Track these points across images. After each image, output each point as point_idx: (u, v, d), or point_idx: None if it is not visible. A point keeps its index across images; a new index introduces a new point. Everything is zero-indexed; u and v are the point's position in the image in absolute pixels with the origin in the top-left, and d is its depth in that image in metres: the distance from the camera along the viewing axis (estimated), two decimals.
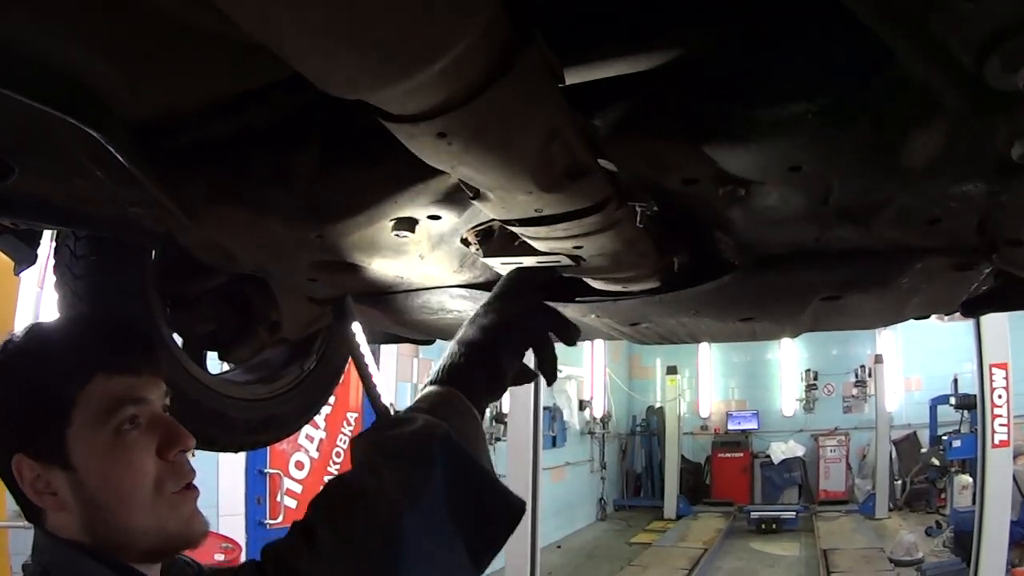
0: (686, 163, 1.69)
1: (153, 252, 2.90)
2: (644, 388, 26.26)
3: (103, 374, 1.60)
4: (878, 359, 22.04)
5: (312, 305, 3.10)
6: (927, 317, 3.15)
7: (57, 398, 1.58)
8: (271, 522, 9.63)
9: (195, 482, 1.79)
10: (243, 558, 8.88)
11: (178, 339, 3.13)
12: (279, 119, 1.79)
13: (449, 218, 2.09)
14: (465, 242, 2.21)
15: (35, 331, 1.71)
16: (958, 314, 2.99)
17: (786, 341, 23.21)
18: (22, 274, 6.57)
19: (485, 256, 2.17)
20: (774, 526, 19.61)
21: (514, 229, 1.82)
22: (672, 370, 23.87)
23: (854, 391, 23.84)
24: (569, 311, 2.57)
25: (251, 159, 1.93)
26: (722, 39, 1.47)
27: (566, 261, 2.05)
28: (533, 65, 1.21)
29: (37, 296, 7.24)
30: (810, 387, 24.35)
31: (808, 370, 24.42)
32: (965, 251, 2.11)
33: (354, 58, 1.06)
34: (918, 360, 22.75)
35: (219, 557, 6.70)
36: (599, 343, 21.49)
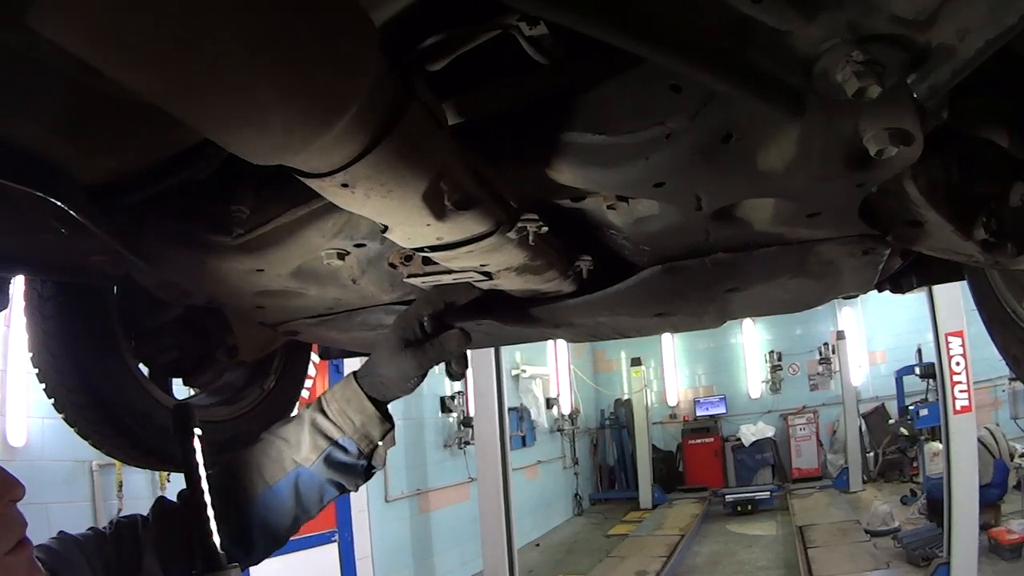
0: (569, 185, 1.87)
1: (115, 289, 3.07)
2: (610, 381, 26.25)
3: None
4: (840, 335, 22.21)
5: (265, 329, 3.27)
6: (854, 297, 3.25)
7: None
8: None
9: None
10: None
11: (144, 369, 3.26)
12: (216, 170, 1.97)
13: (373, 245, 2.31)
14: (392, 265, 2.37)
15: None
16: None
17: (748, 324, 23.36)
18: None
19: (407, 278, 2.36)
20: (749, 507, 19.73)
21: (425, 255, 2.00)
22: (636, 362, 23.80)
23: (819, 369, 23.91)
24: (494, 321, 2.78)
25: (194, 208, 2.14)
26: (580, 78, 1.67)
27: (479, 277, 2.24)
28: (417, 118, 1.42)
29: (4, 335, 7.35)
30: (775, 368, 24.42)
31: (772, 351, 24.52)
32: (857, 238, 2.21)
33: (261, 137, 1.30)
34: (881, 333, 22.99)
35: None
36: (561, 341, 21.55)
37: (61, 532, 2.07)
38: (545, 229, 1.97)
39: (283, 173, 1.52)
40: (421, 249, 1.94)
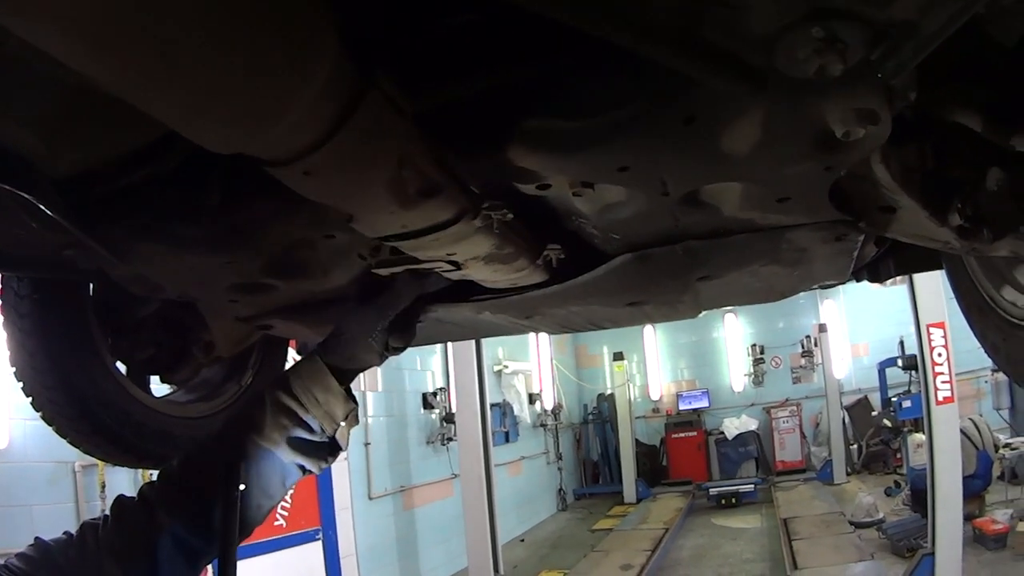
0: (533, 172, 1.88)
1: (91, 288, 3.08)
2: (593, 376, 26.30)
3: None
4: (822, 328, 22.25)
5: (240, 324, 3.26)
6: (831, 287, 3.25)
7: None
8: None
9: None
10: (211, 573, 8.99)
11: (122, 367, 3.27)
12: (184, 163, 1.98)
13: (343, 237, 2.30)
14: (360, 256, 2.40)
15: None
16: (898, 277, 3.16)
17: (730, 317, 23.52)
18: None
19: (375, 268, 2.37)
20: (734, 500, 19.81)
21: (390, 244, 2.00)
22: (619, 356, 23.73)
23: (802, 362, 23.98)
24: (465, 310, 2.78)
25: (163, 201, 2.14)
26: (543, 67, 1.66)
27: (447, 266, 2.24)
28: (377, 104, 1.43)
29: None
30: (757, 361, 24.49)
31: (754, 345, 24.58)
32: (829, 224, 2.19)
33: (219, 125, 1.32)
34: (863, 326, 23.08)
35: None
36: (543, 336, 21.57)
37: (37, 538, 2.08)
38: (511, 216, 1.97)
39: (252, 165, 1.53)
40: (387, 238, 1.94)
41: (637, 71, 1.58)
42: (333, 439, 2.35)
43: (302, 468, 2.35)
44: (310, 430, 2.29)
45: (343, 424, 2.36)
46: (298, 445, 2.29)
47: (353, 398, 2.38)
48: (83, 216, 2.04)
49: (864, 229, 2.27)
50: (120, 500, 2.24)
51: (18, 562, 1.92)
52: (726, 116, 1.62)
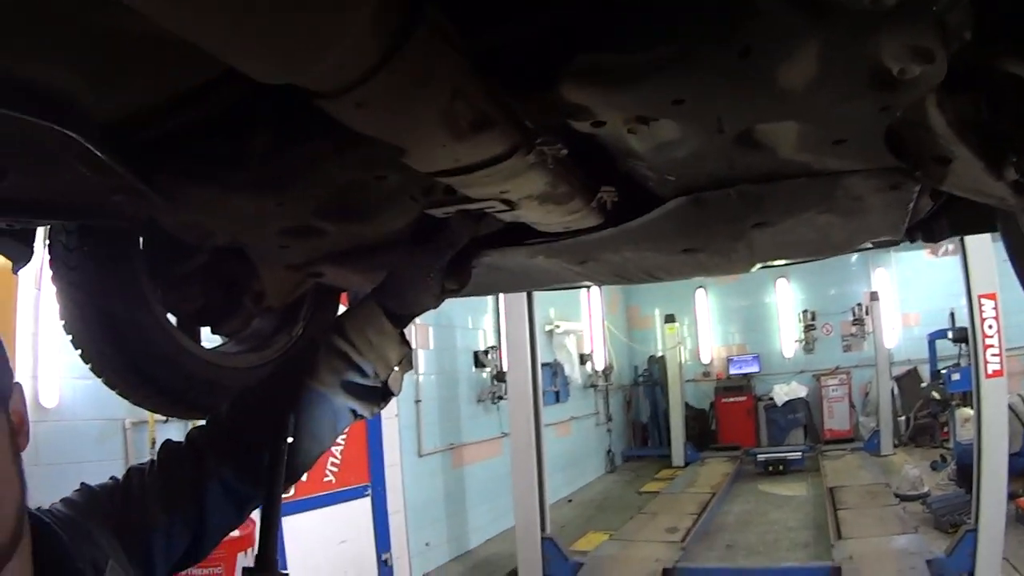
0: (586, 108, 1.83)
1: (140, 239, 3.07)
2: (644, 338, 26.29)
3: None
4: (873, 296, 22.07)
5: (291, 272, 3.28)
6: (886, 245, 3.22)
7: None
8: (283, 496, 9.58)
9: None
10: (257, 535, 9.07)
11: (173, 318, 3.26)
12: (232, 106, 1.98)
13: (394, 178, 2.28)
14: (412, 198, 2.38)
15: None
16: (951, 247, 3.10)
17: (782, 282, 23.42)
18: (20, 276, 6.74)
19: (428, 208, 2.36)
20: (781, 467, 19.71)
21: (443, 180, 1.97)
22: (670, 318, 23.76)
23: (852, 329, 23.79)
24: (519, 255, 2.76)
25: (211, 144, 2.13)
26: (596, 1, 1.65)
27: (501, 206, 2.22)
28: (427, 38, 1.40)
29: (36, 297, 7.37)
30: (808, 327, 24.32)
31: (806, 311, 24.39)
32: (885, 171, 2.16)
33: (267, 53, 1.29)
34: (915, 295, 22.82)
35: (235, 533, 6.77)
36: (595, 296, 21.57)
37: (82, 484, 2.06)
38: (564, 152, 1.95)
39: (301, 107, 1.53)
40: (440, 173, 1.92)
41: (692, 1, 1.55)
42: (386, 384, 2.33)
43: (354, 412, 2.34)
44: (363, 374, 2.27)
45: (396, 369, 2.34)
46: (351, 389, 2.28)
47: (407, 342, 2.36)
48: (131, 159, 2.02)
49: (920, 179, 2.24)
50: (167, 445, 2.23)
51: (63, 507, 1.89)
52: (782, 49, 1.58)
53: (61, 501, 1.90)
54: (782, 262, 3.36)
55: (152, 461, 2.18)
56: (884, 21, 1.44)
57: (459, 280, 2.48)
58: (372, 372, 2.28)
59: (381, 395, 2.35)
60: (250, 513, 2.24)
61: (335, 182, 2.33)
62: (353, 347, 2.25)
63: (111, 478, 2.12)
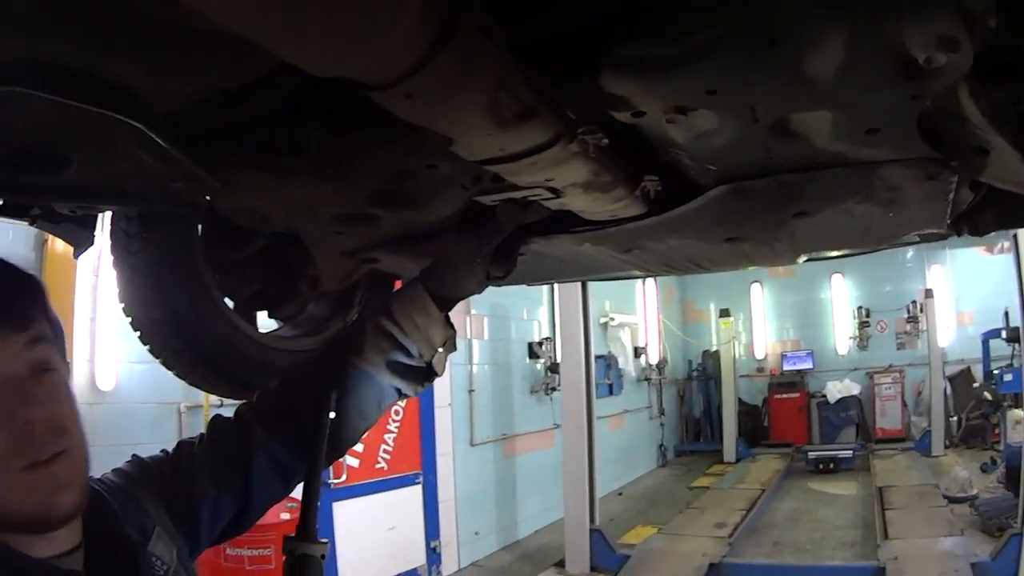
0: (626, 99, 1.89)
1: (199, 227, 3.16)
2: (699, 332, 26.18)
3: None
4: (928, 294, 21.77)
5: (345, 258, 3.34)
6: (934, 239, 3.18)
7: None
8: (335, 481, 9.67)
9: None
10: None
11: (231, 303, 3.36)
12: (287, 97, 2.06)
13: (444, 167, 2.34)
14: (463, 186, 2.45)
15: None
16: (1006, 245, 3.07)
17: (837, 278, 23.23)
18: (79, 263, 6.87)
19: (477, 196, 2.43)
20: (831, 466, 19.58)
21: (490, 168, 2.03)
22: (725, 313, 23.61)
23: (907, 327, 23.48)
24: (565, 242, 2.81)
25: (267, 134, 2.21)
26: None
27: (547, 194, 2.27)
28: (470, 33, 1.46)
29: (94, 283, 7.56)
30: (863, 324, 24.05)
31: (860, 307, 24.14)
32: (920, 161, 2.16)
33: (322, 47, 1.37)
34: (970, 293, 22.54)
35: (285, 516, 6.84)
36: (650, 289, 21.56)
37: (133, 455, 2.17)
38: (605, 141, 2.00)
39: (354, 98, 1.59)
40: (487, 162, 1.98)
41: None
42: (430, 364, 2.39)
43: (399, 391, 2.40)
44: (408, 355, 2.33)
45: (441, 350, 2.40)
46: (396, 368, 2.34)
47: (451, 325, 2.42)
48: (191, 147, 2.09)
49: (957, 169, 2.25)
50: (217, 419, 2.33)
51: (113, 476, 1.99)
52: (808, 38, 1.61)
53: (112, 471, 1.99)
54: (829, 254, 3.37)
55: (202, 435, 2.28)
56: (907, 10, 1.48)
57: (504, 267, 2.52)
58: (417, 353, 2.34)
59: (425, 375, 2.42)
60: (296, 485, 2.31)
61: (387, 170, 2.41)
62: (399, 328, 2.31)
63: (162, 451, 2.22)
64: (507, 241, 2.52)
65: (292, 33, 1.34)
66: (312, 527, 2.05)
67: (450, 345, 2.42)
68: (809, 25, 1.58)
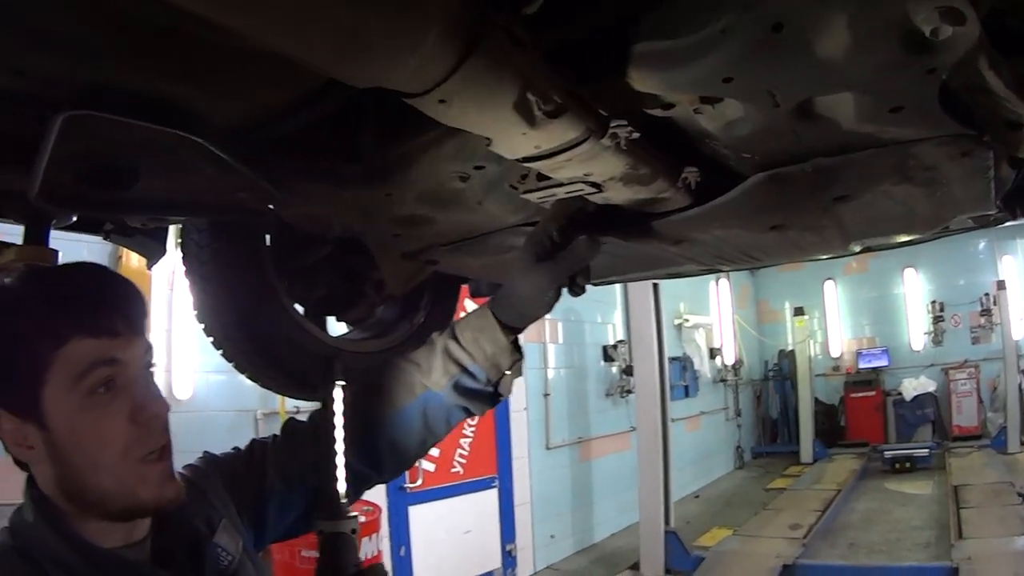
0: (653, 95, 1.99)
1: (267, 236, 3.29)
2: (774, 332, 25.86)
3: (78, 337, 1.66)
4: (1000, 285, 21.19)
5: (407, 261, 3.46)
6: (983, 225, 3.16)
7: (34, 357, 1.65)
8: (410, 485, 9.83)
9: None
10: (384, 521, 9.19)
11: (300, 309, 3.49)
12: (339, 109, 2.17)
13: (492, 167, 2.46)
14: (512, 187, 2.53)
15: (20, 284, 1.77)
16: None
17: (909, 272, 22.84)
18: (154, 276, 7.03)
19: (523, 194, 2.51)
20: (907, 465, 19.30)
21: (529, 165, 2.12)
22: (799, 311, 23.54)
23: (981, 320, 22.82)
24: (615, 237, 2.85)
25: (323, 142, 2.36)
26: None
27: (589, 188, 2.35)
28: (497, 40, 1.57)
29: (168, 297, 7.81)
30: (937, 319, 23.40)
31: (934, 301, 23.50)
32: (952, 138, 2.13)
33: (360, 62, 1.51)
34: None
35: (361, 519, 6.92)
36: (724, 289, 21.46)
37: (205, 452, 2.30)
38: (636, 134, 2.04)
39: (401, 106, 1.70)
40: (526, 160, 2.06)
41: None
42: (496, 387, 2.44)
43: (465, 410, 2.46)
44: (475, 379, 2.39)
45: (508, 374, 2.44)
46: (463, 391, 2.40)
47: (519, 349, 2.46)
48: (251, 159, 2.20)
49: (991, 145, 2.22)
50: (291, 421, 2.46)
51: (184, 470, 2.10)
52: (812, 21, 1.64)
53: (183, 466, 2.10)
54: (883, 241, 3.34)
55: (275, 435, 2.41)
56: None
57: (576, 292, 2.47)
58: (484, 377, 2.39)
59: (491, 397, 2.47)
60: (367, 490, 2.46)
61: (437, 172, 2.51)
62: (467, 354, 2.37)
63: (234, 448, 2.35)
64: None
65: (332, 52, 1.47)
66: (337, 504, 2.14)
67: (517, 370, 2.45)
68: (811, 7, 1.62)
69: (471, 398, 2.43)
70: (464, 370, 2.38)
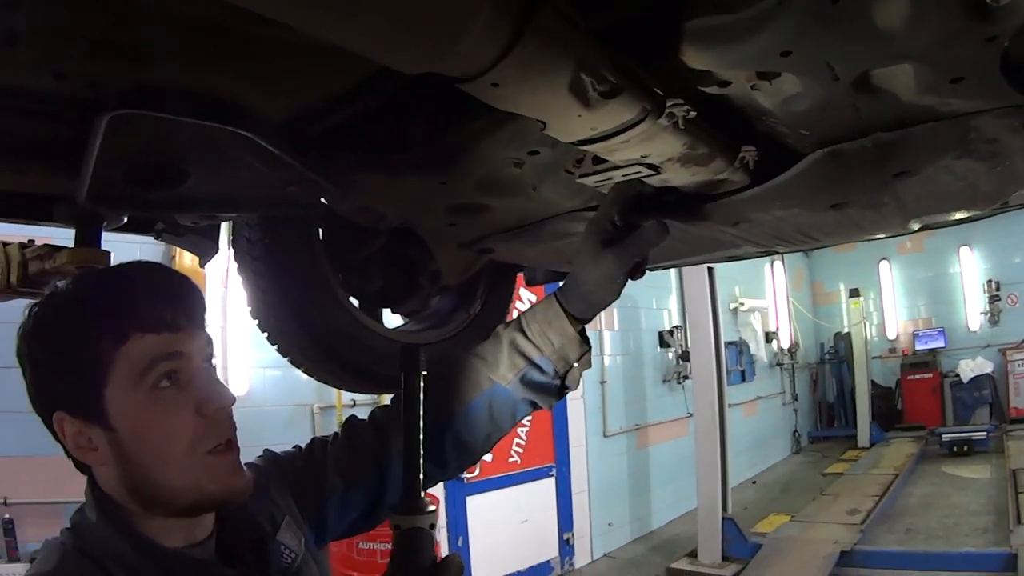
0: (709, 72, 1.94)
1: (320, 229, 3.31)
2: (829, 314, 25.65)
3: (138, 333, 1.66)
4: None
5: (463, 251, 3.44)
6: None
7: (95, 357, 1.64)
8: (468, 476, 9.88)
9: None
10: (442, 511, 9.28)
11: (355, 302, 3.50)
12: (390, 99, 2.15)
13: (547, 152, 2.42)
14: (568, 172, 2.49)
15: (76, 286, 1.74)
16: None
17: (965, 251, 22.56)
18: (208, 275, 7.08)
19: (579, 178, 2.45)
20: (965, 448, 19.08)
21: (586, 148, 2.07)
22: (855, 292, 23.21)
23: None
24: (674, 219, 2.75)
25: (376, 132, 2.32)
26: None
27: (646, 171, 2.30)
28: (549, 21, 1.54)
29: (223, 295, 7.92)
30: (993, 298, 22.94)
31: (990, 280, 23.04)
32: (1014, 108, 2.06)
33: (410, 48, 1.48)
34: None
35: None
36: (779, 272, 21.35)
37: (266, 449, 2.30)
38: (694, 113, 2.00)
39: (453, 93, 1.67)
40: (582, 143, 2.02)
41: None
42: (564, 379, 2.39)
43: (532, 403, 2.42)
44: (543, 372, 2.35)
45: (576, 366, 2.39)
46: (530, 384, 2.36)
47: (587, 340, 2.40)
48: (302, 152, 2.20)
49: None
50: (351, 420, 2.44)
51: (248, 470, 2.06)
52: None
53: (245, 464, 2.07)
54: (943, 219, 3.27)
55: (335, 434, 2.39)
56: None
57: (640, 274, 2.42)
58: (551, 370, 2.35)
59: (559, 390, 2.42)
60: (430, 487, 2.38)
61: (492, 159, 2.47)
62: (535, 347, 2.33)
63: (295, 446, 2.34)
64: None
65: (381, 39, 1.45)
66: (416, 498, 2.00)
67: (585, 361, 2.40)
68: None
69: (538, 391, 2.39)
70: (532, 363, 2.33)
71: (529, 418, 10.54)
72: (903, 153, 2.35)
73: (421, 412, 2.03)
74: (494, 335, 2.43)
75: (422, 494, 1.98)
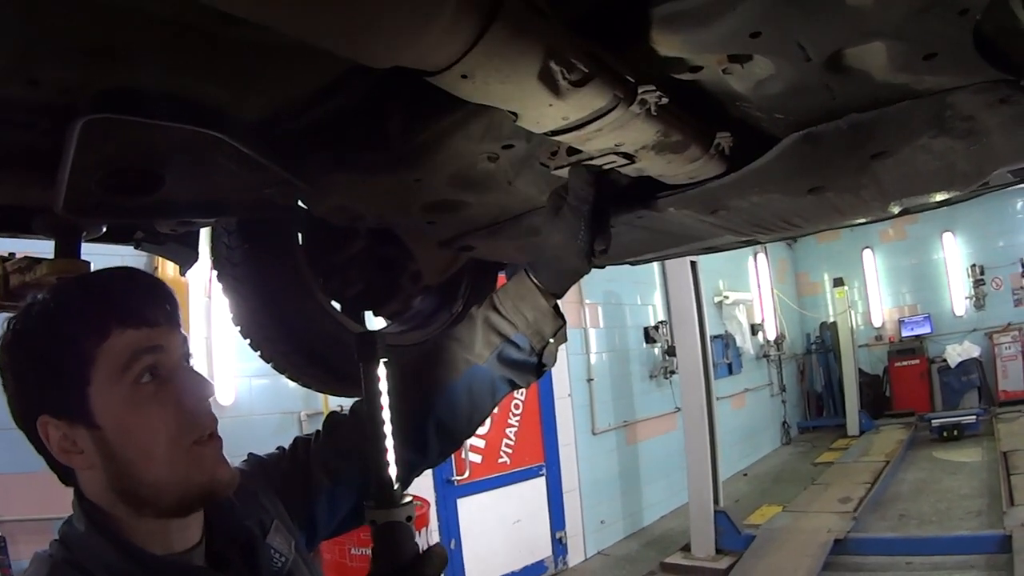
0: (679, 59, 1.93)
1: (299, 233, 3.29)
2: (815, 304, 25.72)
3: (119, 329, 1.68)
4: None
5: (443, 249, 3.43)
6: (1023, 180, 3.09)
7: (78, 356, 1.66)
8: (458, 478, 9.89)
9: None
10: (432, 514, 9.30)
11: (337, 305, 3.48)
12: (363, 97, 2.15)
13: (521, 145, 2.42)
14: (543, 164, 2.46)
15: (55, 294, 1.74)
16: None
17: (947, 237, 22.65)
18: (190, 284, 7.08)
19: (554, 170, 2.44)
20: (955, 432, 19.12)
21: (558, 139, 2.05)
22: (839, 282, 23.28)
23: (1023, 282, 22.55)
24: (651, 209, 2.77)
25: (348, 131, 2.32)
26: None
27: (621, 160, 2.28)
28: (516, 10, 1.53)
29: (207, 305, 7.90)
30: (977, 283, 23.09)
31: (974, 265, 23.18)
32: (989, 84, 2.06)
33: (377, 41, 1.47)
34: None
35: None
36: (763, 264, 21.39)
37: (250, 453, 2.29)
38: (666, 100, 1.98)
39: (425, 89, 1.67)
40: (554, 133, 2.01)
41: None
42: (541, 356, 2.41)
43: (511, 382, 2.43)
44: (519, 348, 2.36)
45: (552, 341, 2.41)
46: (507, 362, 2.38)
47: (562, 315, 2.43)
48: (276, 153, 2.18)
49: None
50: (332, 416, 2.42)
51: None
52: None
53: (239, 466, 2.08)
54: (923, 201, 3.26)
55: (318, 431, 2.37)
56: None
57: (604, 239, 2.45)
58: (528, 346, 2.37)
59: (536, 367, 2.43)
60: (416, 477, 2.38)
61: (466, 154, 2.46)
62: (509, 323, 2.35)
63: (278, 448, 2.33)
64: (597, 213, 2.45)
65: (347, 33, 1.43)
66: (389, 491, 1.99)
67: (561, 336, 2.42)
68: None
69: (515, 369, 2.40)
70: (507, 340, 2.35)
71: (517, 418, 10.58)
72: (879, 133, 2.34)
73: (385, 402, 2.02)
74: (468, 316, 2.44)
75: (395, 485, 1.96)
